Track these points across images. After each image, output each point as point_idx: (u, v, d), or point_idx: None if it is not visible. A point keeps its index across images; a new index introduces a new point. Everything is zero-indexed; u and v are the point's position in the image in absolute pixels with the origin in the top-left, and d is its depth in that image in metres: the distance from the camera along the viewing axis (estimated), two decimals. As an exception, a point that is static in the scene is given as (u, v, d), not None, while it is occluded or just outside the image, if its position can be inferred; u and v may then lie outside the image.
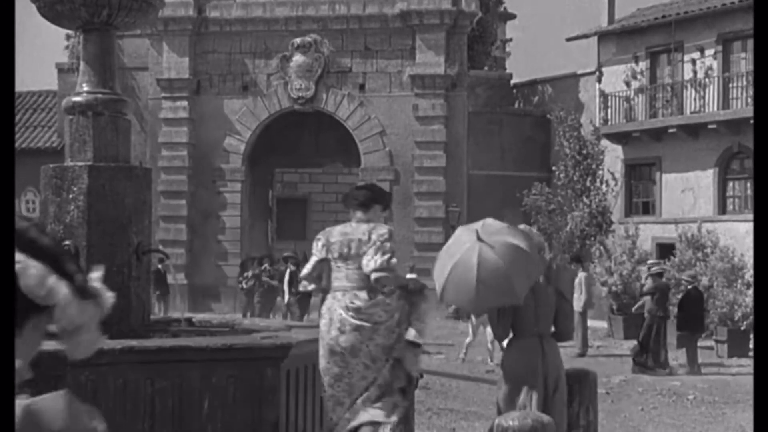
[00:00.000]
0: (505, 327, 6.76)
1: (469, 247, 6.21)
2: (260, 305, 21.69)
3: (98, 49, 6.43)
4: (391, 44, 27.70)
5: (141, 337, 5.96)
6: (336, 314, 6.09)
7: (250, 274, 22.39)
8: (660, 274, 17.41)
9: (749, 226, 20.10)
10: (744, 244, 21.48)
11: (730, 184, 25.19)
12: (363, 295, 6.12)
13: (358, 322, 6.05)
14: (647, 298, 17.15)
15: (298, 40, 27.54)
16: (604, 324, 22.31)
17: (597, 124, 27.06)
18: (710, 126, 24.78)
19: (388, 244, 6.15)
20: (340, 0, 27.68)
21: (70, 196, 6.09)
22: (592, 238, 24.90)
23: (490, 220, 6.50)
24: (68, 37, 29.73)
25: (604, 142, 26.77)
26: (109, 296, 1.84)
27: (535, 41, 68.74)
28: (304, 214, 34.89)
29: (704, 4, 25.65)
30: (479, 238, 6.19)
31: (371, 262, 6.08)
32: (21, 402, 1.55)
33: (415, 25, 27.25)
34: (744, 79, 24.40)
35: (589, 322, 19.60)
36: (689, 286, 17.38)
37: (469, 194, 27.72)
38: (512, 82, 32.72)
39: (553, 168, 27.02)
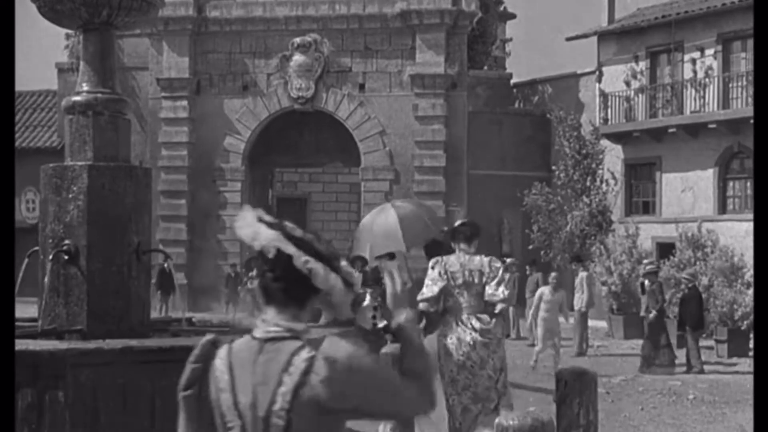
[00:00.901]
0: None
1: (381, 209, 7.80)
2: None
3: (98, 49, 6.43)
4: (391, 44, 27.70)
5: (141, 336, 5.96)
6: (465, 334, 7.53)
7: (256, 272, 22.14)
8: (655, 273, 17.42)
9: (749, 226, 20.11)
10: (744, 243, 21.48)
11: (730, 183, 25.19)
12: (485, 317, 7.57)
13: (485, 340, 7.51)
14: (645, 297, 17.17)
15: (298, 40, 27.53)
16: (604, 324, 22.32)
17: (597, 124, 27.06)
18: (710, 126, 24.77)
19: (506, 275, 7.77)
20: (340, 0, 27.67)
21: (70, 195, 6.09)
22: (592, 238, 24.89)
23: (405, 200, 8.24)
24: (68, 36, 29.72)
25: (604, 142, 26.77)
26: (356, 277, 2.82)
27: (535, 41, 68.70)
28: (304, 213, 34.86)
29: (704, 4, 25.65)
30: (392, 205, 7.83)
31: (498, 293, 7.63)
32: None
33: (415, 25, 27.24)
34: (744, 78, 24.40)
35: (590, 322, 19.60)
36: (689, 285, 17.38)
37: (469, 194, 27.71)
38: (512, 81, 32.71)
39: (553, 168, 27.01)
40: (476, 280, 7.60)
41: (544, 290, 16.32)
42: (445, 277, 7.67)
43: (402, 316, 2.77)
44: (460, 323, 7.56)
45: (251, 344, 2.69)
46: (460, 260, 7.73)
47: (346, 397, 2.55)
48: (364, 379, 2.57)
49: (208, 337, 2.90)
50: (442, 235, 9.17)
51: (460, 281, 7.65)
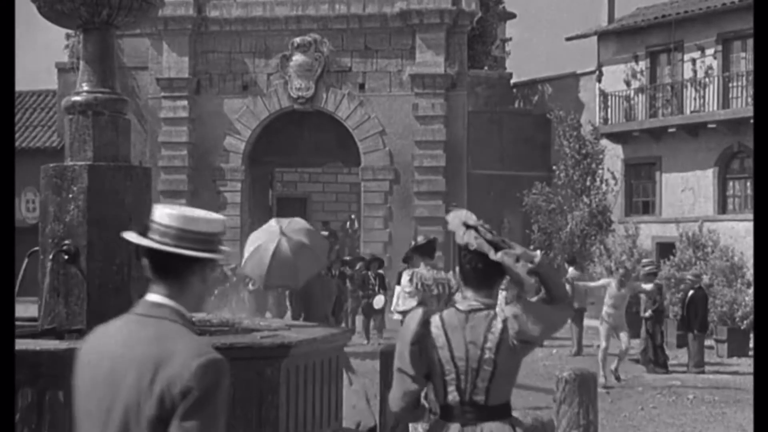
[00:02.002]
0: (296, 310, 9.77)
1: (272, 237, 8.04)
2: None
3: (98, 49, 6.43)
4: (390, 44, 27.70)
5: (141, 336, 5.96)
6: None
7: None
8: (654, 274, 17.41)
9: (749, 226, 20.11)
10: (744, 243, 21.48)
11: (730, 183, 25.19)
12: None
13: None
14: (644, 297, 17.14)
15: (298, 40, 27.53)
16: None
17: (597, 124, 27.06)
18: (710, 125, 24.78)
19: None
20: (340, 0, 27.68)
21: (70, 195, 6.09)
22: (593, 238, 24.89)
23: (297, 219, 8.67)
24: (68, 36, 29.72)
25: (604, 142, 26.76)
26: (538, 253, 3.89)
27: (535, 41, 68.74)
28: (304, 213, 34.82)
29: (704, 4, 25.65)
30: (282, 232, 8.07)
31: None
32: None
33: (414, 25, 27.24)
34: (744, 78, 24.40)
35: (590, 322, 19.57)
36: (695, 286, 17.35)
37: (469, 194, 27.70)
38: (512, 81, 32.71)
39: (553, 167, 27.01)
40: (445, 291, 8.78)
41: (611, 283, 15.61)
42: (421, 289, 8.79)
43: (538, 258, 3.87)
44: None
45: (459, 315, 3.89)
46: (430, 273, 8.88)
47: (528, 336, 3.83)
48: (534, 319, 3.82)
49: (423, 309, 4.10)
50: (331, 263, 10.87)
51: (435, 292, 8.78)
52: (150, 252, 2.82)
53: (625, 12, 29.40)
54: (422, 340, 3.86)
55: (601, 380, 13.85)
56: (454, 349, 3.84)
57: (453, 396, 3.86)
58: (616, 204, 26.44)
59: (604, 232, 25.13)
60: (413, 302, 8.78)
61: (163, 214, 2.82)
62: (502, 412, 3.90)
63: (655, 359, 16.13)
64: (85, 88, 6.38)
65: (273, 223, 8.55)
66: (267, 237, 8.18)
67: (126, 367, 2.67)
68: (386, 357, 7.29)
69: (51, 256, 6.02)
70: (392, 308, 9.41)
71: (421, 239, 9.80)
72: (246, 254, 8.22)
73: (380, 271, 20.35)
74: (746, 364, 16.44)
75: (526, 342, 3.86)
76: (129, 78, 28.34)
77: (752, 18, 17.54)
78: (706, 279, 19.31)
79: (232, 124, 28.12)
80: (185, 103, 28.16)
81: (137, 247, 2.89)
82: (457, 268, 3.98)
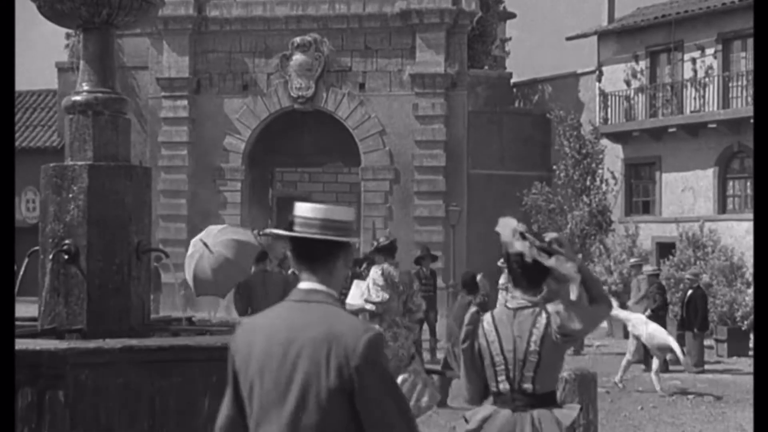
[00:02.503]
0: (240, 307, 10.61)
1: (197, 249, 8.51)
2: None
3: (98, 48, 6.42)
4: (391, 43, 27.70)
5: (141, 336, 5.96)
6: (401, 330, 9.79)
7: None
8: (656, 275, 17.55)
9: (749, 226, 20.11)
10: (744, 243, 21.48)
11: (730, 183, 25.19)
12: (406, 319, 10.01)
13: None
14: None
15: (298, 39, 27.54)
16: (603, 323, 22.30)
17: (597, 124, 27.05)
18: (710, 125, 24.78)
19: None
20: (340, -1, 27.70)
21: (70, 195, 6.08)
22: (592, 238, 24.89)
23: (228, 228, 9.42)
24: (68, 36, 29.74)
25: (604, 142, 26.76)
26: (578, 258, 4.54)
27: (535, 40, 68.76)
28: (304, 213, 34.84)
29: (704, 4, 25.65)
30: (205, 245, 8.51)
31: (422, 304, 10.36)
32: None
33: (415, 24, 27.25)
34: (744, 78, 24.40)
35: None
36: (694, 285, 17.37)
37: (469, 193, 27.71)
38: (512, 81, 32.70)
39: (553, 167, 27.01)
40: (406, 289, 9.69)
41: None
42: (391, 283, 9.55)
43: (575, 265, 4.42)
44: (394, 323, 9.51)
45: (507, 312, 4.49)
46: (396, 271, 9.71)
47: (569, 331, 4.36)
48: (575, 316, 4.36)
49: (474, 308, 4.75)
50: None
51: (401, 289, 9.60)
52: (297, 243, 3.19)
53: (625, 12, 29.41)
54: (473, 336, 4.49)
55: (657, 387, 13.72)
56: (503, 342, 4.42)
57: (504, 385, 4.43)
58: (616, 204, 26.44)
59: (604, 232, 25.14)
60: (386, 295, 9.50)
61: (305, 208, 3.23)
62: (548, 399, 4.45)
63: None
64: (85, 87, 6.37)
65: (203, 233, 8.93)
66: (193, 249, 8.64)
67: (300, 348, 3.00)
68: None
69: (51, 256, 6.01)
70: (363, 299, 9.67)
71: (383, 240, 10.22)
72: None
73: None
74: (746, 364, 16.44)
75: (567, 336, 4.40)
76: (129, 78, 28.35)
77: (752, 18, 17.54)
78: (705, 278, 19.32)
79: (232, 123, 28.12)
80: (185, 102, 28.17)
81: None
82: (505, 271, 4.90)
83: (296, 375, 2.99)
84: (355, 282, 10.42)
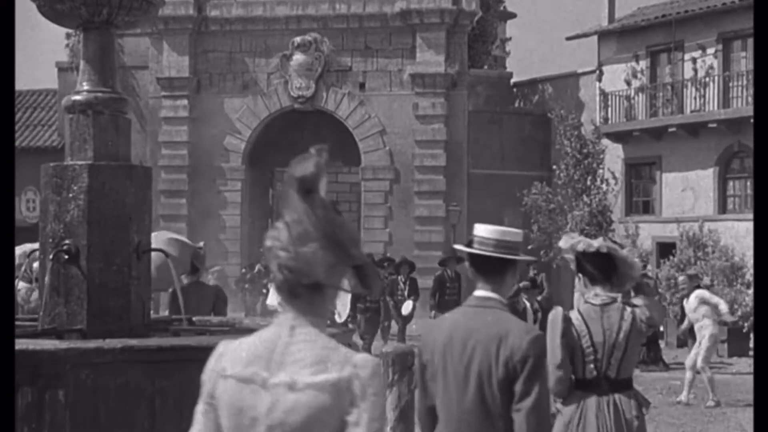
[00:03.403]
0: (173, 313, 10.45)
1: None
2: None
3: (98, 48, 6.42)
4: (391, 43, 27.70)
5: (141, 336, 5.96)
6: None
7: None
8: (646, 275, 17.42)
9: (749, 226, 20.10)
10: (744, 243, 21.48)
11: (731, 183, 25.18)
12: None
13: None
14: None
15: (298, 39, 27.54)
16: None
17: (597, 123, 27.05)
18: (710, 125, 24.77)
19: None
20: (341, -1, 27.70)
21: (70, 195, 6.08)
22: (593, 238, 24.87)
23: (163, 232, 9.95)
24: (68, 35, 29.71)
25: (605, 141, 26.76)
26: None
27: (535, 40, 68.75)
28: (304, 213, 34.86)
29: (704, 3, 25.65)
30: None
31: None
32: None
33: (415, 24, 27.25)
34: (744, 78, 24.40)
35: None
36: (695, 285, 17.33)
37: (469, 193, 27.70)
38: (512, 81, 32.70)
39: (554, 167, 27.01)
40: None
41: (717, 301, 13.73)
42: None
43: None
44: None
45: (594, 308, 5.11)
46: None
47: (654, 322, 5.10)
48: (654, 307, 5.18)
49: (560, 309, 5.24)
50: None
51: None
52: (475, 258, 3.92)
53: (625, 11, 29.40)
54: (567, 333, 5.05)
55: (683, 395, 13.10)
56: (593, 335, 5.04)
57: (591, 372, 5.07)
58: (616, 204, 26.44)
59: (604, 231, 25.12)
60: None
61: (483, 229, 3.94)
62: (627, 384, 5.18)
63: (647, 356, 16.11)
64: (86, 87, 6.37)
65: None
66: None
67: (475, 344, 3.75)
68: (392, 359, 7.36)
69: (51, 256, 6.01)
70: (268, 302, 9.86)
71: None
72: None
73: (412, 275, 18.34)
74: (746, 364, 16.43)
75: (651, 326, 5.12)
76: (129, 77, 28.34)
77: (752, 17, 17.54)
78: (706, 279, 19.31)
79: (232, 123, 28.12)
80: (185, 102, 28.17)
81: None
82: (579, 274, 5.24)
83: (472, 366, 3.74)
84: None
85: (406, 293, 17.82)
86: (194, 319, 7.31)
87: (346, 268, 2.53)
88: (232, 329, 7.00)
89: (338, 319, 10.29)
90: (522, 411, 3.63)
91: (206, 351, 4.81)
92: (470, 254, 3.92)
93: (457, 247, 4.18)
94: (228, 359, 2.58)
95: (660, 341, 16.87)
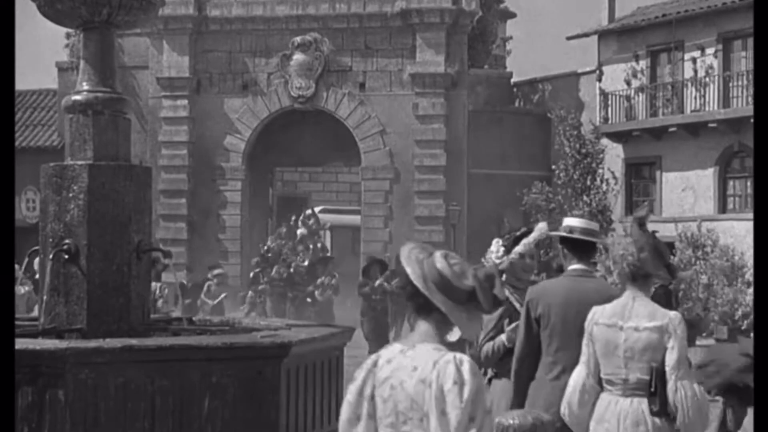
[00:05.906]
0: None
1: None
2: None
3: (98, 48, 6.43)
4: (391, 43, 27.69)
5: (141, 335, 5.97)
6: None
7: (378, 283, 15.94)
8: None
9: (749, 225, 20.10)
10: (744, 243, 21.47)
11: (731, 183, 25.19)
12: None
13: None
14: None
15: (298, 39, 27.53)
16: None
17: (597, 123, 27.05)
18: (710, 125, 24.77)
19: None
20: (341, -1, 27.69)
21: (70, 194, 6.09)
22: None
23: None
24: (68, 35, 29.70)
25: (605, 141, 26.76)
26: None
27: (535, 40, 68.72)
28: (304, 212, 34.85)
29: (704, 3, 25.65)
30: None
31: None
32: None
33: (415, 24, 27.23)
34: (744, 77, 24.40)
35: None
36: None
37: (469, 193, 27.70)
38: (512, 80, 32.71)
39: (553, 167, 27.00)
40: None
41: None
42: None
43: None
44: None
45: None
46: None
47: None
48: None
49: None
50: None
51: None
52: (573, 242, 5.43)
53: (625, 11, 29.40)
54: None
55: None
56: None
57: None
58: (616, 203, 26.44)
59: (604, 231, 25.13)
60: None
61: (575, 221, 5.61)
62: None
63: None
64: (86, 87, 6.38)
65: None
66: None
67: (579, 304, 5.15)
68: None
69: (51, 256, 6.02)
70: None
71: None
72: None
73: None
74: (746, 363, 16.41)
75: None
76: (129, 77, 28.32)
77: (752, 17, 17.53)
78: (705, 279, 19.31)
79: (232, 123, 28.11)
80: (185, 102, 28.15)
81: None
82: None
83: (578, 320, 5.06)
84: None
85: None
86: (194, 318, 7.31)
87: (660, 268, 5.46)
88: (232, 329, 7.00)
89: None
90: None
91: (206, 351, 4.80)
92: (566, 238, 5.42)
93: (557, 233, 5.52)
94: (598, 314, 4.96)
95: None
